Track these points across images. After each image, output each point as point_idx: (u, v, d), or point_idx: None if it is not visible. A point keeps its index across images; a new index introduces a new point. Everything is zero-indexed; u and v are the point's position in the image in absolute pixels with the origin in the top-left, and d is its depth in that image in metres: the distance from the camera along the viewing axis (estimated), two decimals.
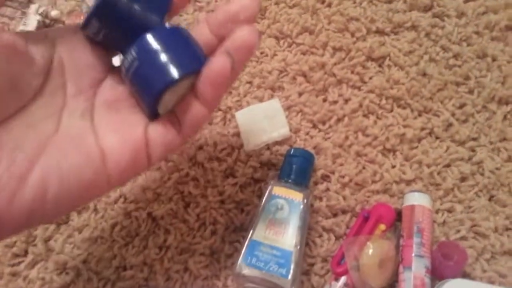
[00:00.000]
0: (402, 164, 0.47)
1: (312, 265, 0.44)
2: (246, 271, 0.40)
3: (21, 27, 0.56)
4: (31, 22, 0.56)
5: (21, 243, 0.45)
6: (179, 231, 0.45)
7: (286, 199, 0.43)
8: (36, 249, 0.45)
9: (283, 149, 0.49)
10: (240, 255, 0.41)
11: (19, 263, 0.45)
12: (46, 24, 0.57)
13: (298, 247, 0.41)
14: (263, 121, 0.49)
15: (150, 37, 0.31)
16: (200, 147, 0.49)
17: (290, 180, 0.44)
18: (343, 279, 0.41)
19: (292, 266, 0.40)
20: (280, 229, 0.41)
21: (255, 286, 0.41)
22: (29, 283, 0.44)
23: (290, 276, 0.39)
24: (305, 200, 0.43)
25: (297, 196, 0.43)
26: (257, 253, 0.40)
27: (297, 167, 0.45)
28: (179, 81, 0.31)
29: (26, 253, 0.46)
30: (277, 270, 0.40)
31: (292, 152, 0.46)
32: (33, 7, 0.57)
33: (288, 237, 0.41)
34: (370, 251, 0.40)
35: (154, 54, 0.31)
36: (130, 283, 0.43)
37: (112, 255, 0.45)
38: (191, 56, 0.32)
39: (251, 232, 0.42)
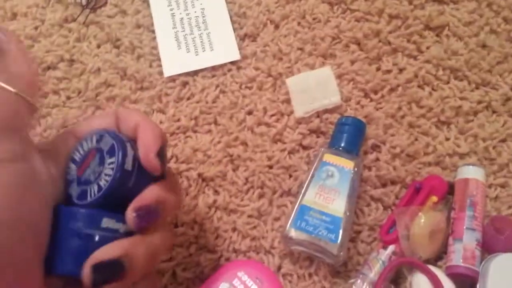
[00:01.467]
0: (456, 137, 0.47)
1: (359, 232, 0.44)
2: (295, 234, 0.41)
3: None
4: None
5: None
6: (228, 192, 0.46)
7: (337, 167, 0.43)
8: None
9: (333, 117, 0.48)
10: (289, 219, 0.42)
11: None
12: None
13: (348, 214, 0.41)
14: (314, 88, 0.49)
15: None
16: (250, 112, 0.49)
17: (340, 148, 0.44)
18: (391, 247, 0.41)
19: (340, 232, 0.40)
20: (330, 195, 0.42)
21: (302, 249, 0.42)
22: None
23: (339, 241, 0.40)
24: (355, 169, 0.43)
25: (347, 164, 0.43)
26: (306, 217, 0.41)
27: (348, 135, 0.45)
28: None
29: None
30: (326, 235, 0.40)
31: (343, 120, 0.46)
32: None
33: (337, 204, 0.41)
34: (422, 221, 0.40)
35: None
36: (181, 240, 0.45)
37: None
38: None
39: (300, 197, 0.42)
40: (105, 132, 0.32)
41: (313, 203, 0.42)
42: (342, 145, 0.44)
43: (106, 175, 0.30)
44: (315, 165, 0.44)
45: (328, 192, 0.42)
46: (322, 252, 0.41)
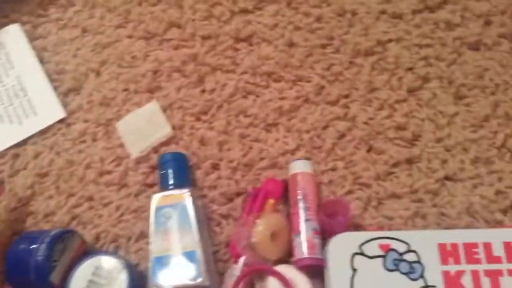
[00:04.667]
0: (284, 136, 0.49)
1: (215, 252, 0.45)
2: None
3: None
4: None
5: None
6: None
7: (172, 206, 0.43)
8: None
9: (170, 148, 0.49)
10: (149, 278, 0.40)
11: None
12: None
13: (202, 242, 0.41)
14: (144, 126, 0.49)
15: None
16: (88, 167, 0.49)
17: (171, 186, 0.44)
18: (242, 259, 0.42)
19: (200, 264, 0.40)
20: (177, 235, 0.41)
21: None
22: None
23: (202, 274, 0.39)
24: (190, 198, 0.43)
25: (180, 199, 0.43)
26: (164, 268, 0.40)
27: (173, 171, 0.45)
28: None
29: None
30: (189, 276, 0.39)
31: (162, 159, 0.46)
32: None
33: (188, 239, 0.41)
34: (260, 227, 0.42)
35: None
36: None
37: None
38: None
39: (151, 249, 0.41)
40: None
41: (164, 251, 0.41)
42: (171, 182, 0.44)
43: None
44: (151, 213, 0.43)
45: (173, 233, 0.41)
46: None
